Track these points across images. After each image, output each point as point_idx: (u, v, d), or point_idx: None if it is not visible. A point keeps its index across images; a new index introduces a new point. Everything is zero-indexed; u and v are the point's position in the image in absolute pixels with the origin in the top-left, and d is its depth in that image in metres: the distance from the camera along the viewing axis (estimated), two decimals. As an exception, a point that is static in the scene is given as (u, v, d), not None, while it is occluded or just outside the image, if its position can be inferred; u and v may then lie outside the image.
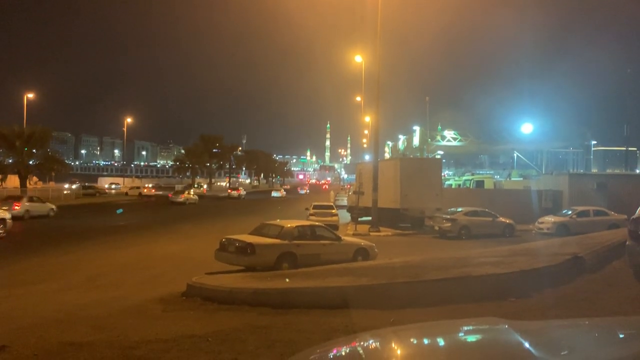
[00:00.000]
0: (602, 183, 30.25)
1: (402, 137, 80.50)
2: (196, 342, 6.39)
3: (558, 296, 8.59)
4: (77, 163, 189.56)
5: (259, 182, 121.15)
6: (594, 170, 68.70)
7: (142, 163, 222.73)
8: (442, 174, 38.13)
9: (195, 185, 71.02)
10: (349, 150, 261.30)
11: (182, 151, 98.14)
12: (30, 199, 30.86)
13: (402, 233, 25.06)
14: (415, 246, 20.28)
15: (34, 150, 45.18)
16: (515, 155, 68.32)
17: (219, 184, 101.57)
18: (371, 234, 23.64)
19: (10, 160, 45.72)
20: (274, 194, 70.85)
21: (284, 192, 74.46)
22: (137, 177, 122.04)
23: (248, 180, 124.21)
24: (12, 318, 8.08)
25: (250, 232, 13.71)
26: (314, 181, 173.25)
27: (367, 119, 51.47)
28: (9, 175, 45.66)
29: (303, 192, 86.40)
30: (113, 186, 70.38)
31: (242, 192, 66.73)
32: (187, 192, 51.55)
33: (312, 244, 13.29)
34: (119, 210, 29.61)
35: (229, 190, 66.33)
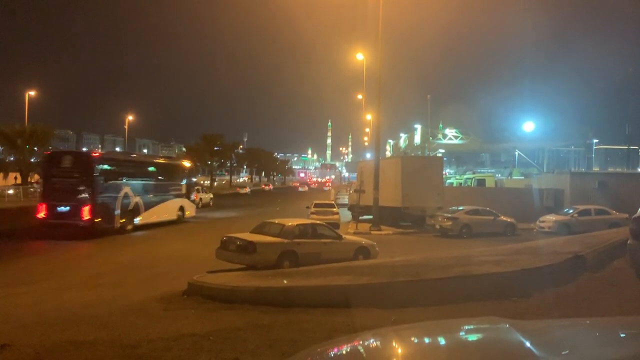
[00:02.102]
0: (604, 182, 30.21)
1: (403, 136, 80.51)
2: (197, 340, 6.40)
3: (559, 295, 8.58)
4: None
5: (260, 180, 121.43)
6: (596, 169, 68.64)
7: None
8: (444, 173, 38.06)
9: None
10: (350, 149, 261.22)
11: (184, 149, 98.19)
12: None
13: (403, 232, 25.07)
14: (416, 245, 20.28)
15: (36, 148, 45.25)
16: (516, 153, 68.24)
17: (238, 181, 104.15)
18: (372, 232, 23.65)
19: (12, 158, 45.81)
20: (300, 189, 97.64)
21: (307, 188, 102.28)
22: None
23: (246, 179, 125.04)
24: (14, 316, 8.10)
25: (252, 231, 13.72)
26: (315, 179, 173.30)
27: (369, 117, 51.50)
28: (9, 173, 45.81)
29: (326, 188, 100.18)
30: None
31: (271, 187, 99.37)
32: (246, 187, 79.33)
33: (313, 243, 13.30)
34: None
35: (262, 186, 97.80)
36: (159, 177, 26.08)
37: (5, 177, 46.32)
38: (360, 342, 2.28)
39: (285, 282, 9.86)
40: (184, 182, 28.21)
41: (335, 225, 20.96)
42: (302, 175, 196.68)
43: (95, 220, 20.29)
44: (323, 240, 13.61)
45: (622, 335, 2.26)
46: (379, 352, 2.18)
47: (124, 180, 22.61)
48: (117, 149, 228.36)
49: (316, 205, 26.85)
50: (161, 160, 30.94)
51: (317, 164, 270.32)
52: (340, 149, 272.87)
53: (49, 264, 14.35)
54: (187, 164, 30.45)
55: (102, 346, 6.27)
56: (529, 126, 61.53)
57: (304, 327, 6.92)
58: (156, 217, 24.52)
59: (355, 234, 21.81)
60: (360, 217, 27.25)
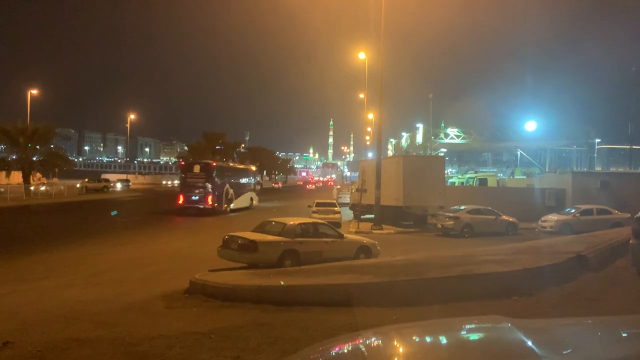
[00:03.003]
0: (606, 181, 30.16)
1: (405, 135, 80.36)
2: (199, 338, 6.41)
3: (561, 295, 8.58)
4: (80, 159, 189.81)
5: (262, 179, 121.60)
6: (598, 169, 68.44)
7: (145, 160, 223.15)
8: (445, 172, 38.01)
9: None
10: (351, 148, 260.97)
11: (185, 148, 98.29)
12: None
13: (404, 231, 25.04)
14: (417, 244, 20.26)
15: (38, 147, 45.30)
16: (518, 153, 68.03)
17: None
18: (374, 231, 23.64)
19: (14, 157, 45.84)
20: (308, 186, 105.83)
21: (314, 186, 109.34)
22: (140, 173, 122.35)
23: None
24: (16, 314, 8.11)
25: (253, 230, 13.72)
26: (317, 178, 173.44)
27: (370, 116, 51.51)
28: (12, 172, 45.87)
29: (338, 187, 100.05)
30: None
31: (280, 185, 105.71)
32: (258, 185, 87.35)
33: (314, 242, 13.29)
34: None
35: (272, 184, 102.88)
36: (242, 178, 38.94)
37: (8, 175, 46.37)
38: (362, 341, 2.28)
39: (286, 280, 9.86)
40: (253, 180, 42.15)
41: (336, 224, 20.97)
42: (304, 174, 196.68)
43: (214, 205, 31.54)
44: (324, 239, 13.61)
45: (624, 334, 2.26)
46: (380, 350, 2.18)
47: (226, 180, 34.27)
48: (119, 148, 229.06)
49: (318, 205, 26.84)
50: (242, 167, 45.34)
51: (318, 163, 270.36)
52: (342, 148, 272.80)
53: (50, 262, 14.38)
54: (254, 168, 47.14)
55: (103, 344, 6.28)
56: (531, 125, 61.32)
57: (306, 326, 6.92)
58: (240, 204, 36.04)
59: (356, 233, 21.81)
60: (362, 216, 27.24)
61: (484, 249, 14.69)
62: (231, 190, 34.39)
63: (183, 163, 38.15)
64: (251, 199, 38.89)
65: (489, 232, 22.44)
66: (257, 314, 7.79)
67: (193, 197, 31.66)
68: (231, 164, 43.71)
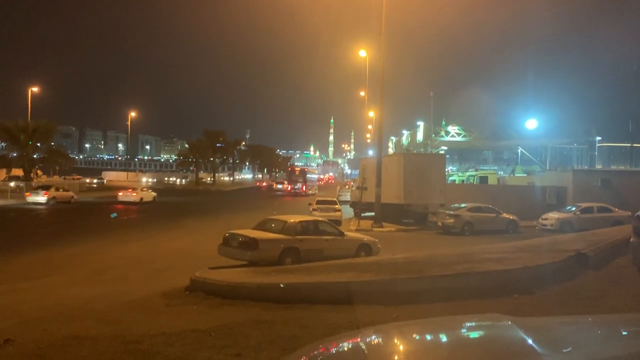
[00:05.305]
0: (607, 179, 30.14)
1: (405, 133, 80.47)
2: (199, 336, 6.42)
3: (562, 293, 8.58)
4: (81, 157, 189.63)
5: (262, 177, 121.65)
6: (599, 167, 68.31)
7: (145, 157, 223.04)
8: (446, 170, 37.99)
9: None
10: (352, 146, 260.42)
11: (186, 146, 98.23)
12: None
13: (405, 229, 25.04)
14: (418, 242, 20.25)
15: (39, 144, 45.31)
16: (519, 151, 68.00)
17: (223, 178, 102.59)
18: (374, 229, 23.63)
19: (15, 154, 45.87)
20: (318, 183, 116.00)
21: (322, 182, 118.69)
22: (141, 171, 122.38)
23: (250, 176, 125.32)
24: (17, 311, 8.12)
25: (254, 227, 13.72)
26: (318, 176, 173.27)
27: (371, 114, 51.51)
28: (12, 169, 45.92)
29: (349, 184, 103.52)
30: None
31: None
32: (264, 182, 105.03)
33: (315, 239, 13.29)
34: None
35: (282, 182, 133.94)
36: (306, 175, 70.83)
37: (9, 172, 46.43)
38: (362, 339, 2.28)
39: (287, 278, 9.87)
40: (315, 177, 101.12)
41: (337, 222, 20.97)
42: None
43: (305, 191, 61.89)
44: (325, 237, 13.61)
45: (625, 332, 2.26)
46: (380, 348, 2.18)
47: (307, 177, 70.70)
48: (120, 145, 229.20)
49: (318, 202, 26.84)
50: (313, 170, 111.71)
51: (319, 160, 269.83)
52: (343, 145, 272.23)
53: (53, 260, 14.40)
54: (316, 171, 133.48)
55: (104, 341, 6.29)
56: (531, 123, 61.30)
57: (306, 324, 6.93)
58: (312, 191, 61.01)
59: (357, 231, 21.75)
60: (363, 214, 27.23)
61: (485, 247, 14.68)
62: (308, 183, 65.43)
63: (290, 169, 73.61)
64: (314, 188, 67.17)
65: (489, 230, 22.41)
66: (258, 312, 7.80)
67: (295, 187, 62.85)
68: (309, 168, 76.27)
